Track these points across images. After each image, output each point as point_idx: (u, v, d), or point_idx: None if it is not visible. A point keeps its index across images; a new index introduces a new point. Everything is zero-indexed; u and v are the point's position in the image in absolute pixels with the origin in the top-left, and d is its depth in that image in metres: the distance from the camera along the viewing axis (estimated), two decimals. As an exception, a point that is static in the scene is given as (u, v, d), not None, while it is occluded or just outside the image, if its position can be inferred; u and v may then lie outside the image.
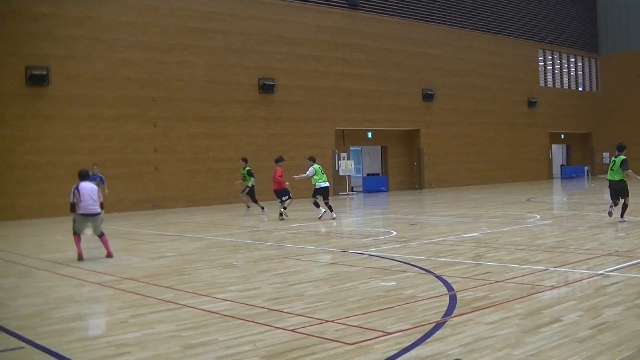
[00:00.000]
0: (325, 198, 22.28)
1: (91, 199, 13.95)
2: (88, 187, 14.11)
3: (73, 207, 14.03)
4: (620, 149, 17.69)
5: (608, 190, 18.03)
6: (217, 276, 11.22)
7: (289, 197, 22.86)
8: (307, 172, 22.50)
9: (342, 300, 8.74)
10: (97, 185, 21.37)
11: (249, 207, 25.73)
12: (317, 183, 22.25)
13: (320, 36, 37.22)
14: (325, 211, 22.30)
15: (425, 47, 42.83)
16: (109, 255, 14.09)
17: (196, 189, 31.89)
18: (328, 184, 22.55)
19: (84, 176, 14.37)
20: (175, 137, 31.45)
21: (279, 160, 23.27)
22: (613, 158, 17.74)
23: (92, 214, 13.99)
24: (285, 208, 22.64)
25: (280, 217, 22.30)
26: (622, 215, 17.43)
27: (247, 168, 25.33)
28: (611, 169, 17.66)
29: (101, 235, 14.27)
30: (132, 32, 30.29)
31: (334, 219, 21.93)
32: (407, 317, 7.65)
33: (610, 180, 17.72)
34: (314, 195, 22.62)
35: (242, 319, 7.84)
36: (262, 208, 25.11)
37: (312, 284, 10.01)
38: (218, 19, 33.05)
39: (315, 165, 22.48)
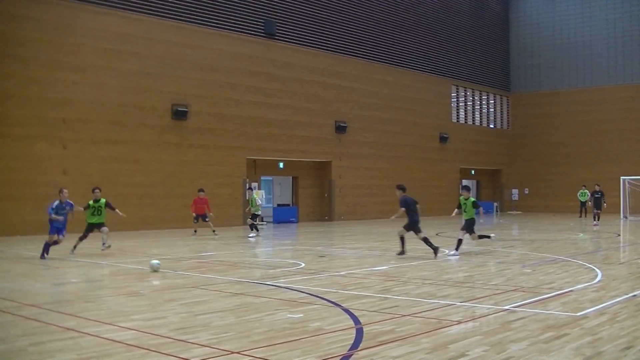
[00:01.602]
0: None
1: None
2: None
3: None
4: (469, 189, 19.77)
5: (467, 227, 19.23)
6: (123, 304, 11.03)
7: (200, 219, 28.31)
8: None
9: (248, 331, 8.70)
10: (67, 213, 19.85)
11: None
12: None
13: (236, 64, 37.13)
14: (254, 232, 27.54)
15: (339, 79, 43.22)
16: None
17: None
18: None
19: None
20: (85, 159, 30.75)
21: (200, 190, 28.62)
22: (471, 199, 19.28)
23: None
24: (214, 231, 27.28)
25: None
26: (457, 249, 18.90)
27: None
28: (465, 211, 19.25)
29: None
30: (46, 50, 29.64)
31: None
32: (313, 349, 7.66)
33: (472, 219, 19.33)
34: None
35: (146, 349, 7.73)
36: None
37: (219, 315, 9.94)
38: (134, 41, 32.61)
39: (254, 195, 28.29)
